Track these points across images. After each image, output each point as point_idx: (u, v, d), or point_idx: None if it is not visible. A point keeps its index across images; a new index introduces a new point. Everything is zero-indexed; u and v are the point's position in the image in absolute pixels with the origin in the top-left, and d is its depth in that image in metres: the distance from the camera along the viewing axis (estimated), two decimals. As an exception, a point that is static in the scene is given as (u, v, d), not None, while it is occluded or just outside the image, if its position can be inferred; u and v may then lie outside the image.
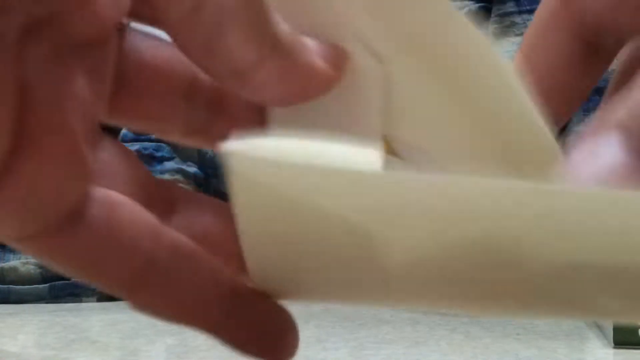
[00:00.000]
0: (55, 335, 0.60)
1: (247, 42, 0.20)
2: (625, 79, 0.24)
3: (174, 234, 0.22)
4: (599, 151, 0.17)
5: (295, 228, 0.20)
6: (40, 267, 0.85)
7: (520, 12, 0.87)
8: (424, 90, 0.22)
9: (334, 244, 0.20)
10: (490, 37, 0.87)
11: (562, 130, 0.22)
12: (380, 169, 0.20)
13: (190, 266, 0.22)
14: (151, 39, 0.23)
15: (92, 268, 0.21)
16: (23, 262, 0.86)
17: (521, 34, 0.86)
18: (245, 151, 0.19)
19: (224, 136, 0.22)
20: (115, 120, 0.23)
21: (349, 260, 0.21)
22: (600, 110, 0.17)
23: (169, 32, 0.20)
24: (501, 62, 0.21)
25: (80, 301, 0.85)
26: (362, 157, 0.20)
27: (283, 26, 0.21)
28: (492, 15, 0.89)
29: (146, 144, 0.88)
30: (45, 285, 0.85)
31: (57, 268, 0.21)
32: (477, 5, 0.91)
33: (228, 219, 0.22)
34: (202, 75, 0.23)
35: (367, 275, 0.21)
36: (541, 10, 0.25)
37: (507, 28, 0.87)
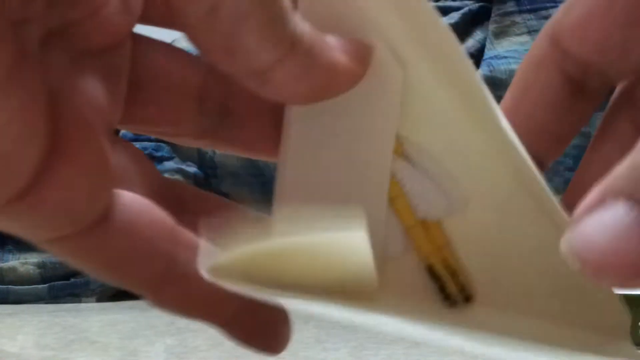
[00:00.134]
0: (54, 336, 0.60)
1: (264, 41, 0.20)
2: (612, 120, 0.25)
3: (188, 234, 0.22)
4: (607, 223, 0.18)
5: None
6: (40, 267, 0.85)
7: (520, 12, 0.87)
8: (443, 99, 0.22)
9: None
10: (489, 37, 0.87)
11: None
12: (368, 250, 0.20)
13: None
14: (161, 45, 0.23)
15: (118, 269, 0.22)
16: (22, 263, 0.85)
17: (521, 34, 0.86)
18: (220, 266, 0.20)
19: (234, 140, 0.23)
20: (128, 126, 0.23)
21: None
22: (604, 177, 0.17)
23: (187, 33, 0.20)
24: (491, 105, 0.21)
25: (80, 301, 0.85)
26: (346, 244, 0.20)
27: (303, 25, 0.21)
28: (492, 15, 0.89)
29: (146, 143, 0.88)
30: (45, 285, 0.85)
31: (84, 269, 0.22)
32: (477, 5, 0.91)
33: (234, 216, 0.22)
34: (212, 79, 0.23)
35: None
36: (530, 52, 0.25)
37: (507, 28, 0.87)
